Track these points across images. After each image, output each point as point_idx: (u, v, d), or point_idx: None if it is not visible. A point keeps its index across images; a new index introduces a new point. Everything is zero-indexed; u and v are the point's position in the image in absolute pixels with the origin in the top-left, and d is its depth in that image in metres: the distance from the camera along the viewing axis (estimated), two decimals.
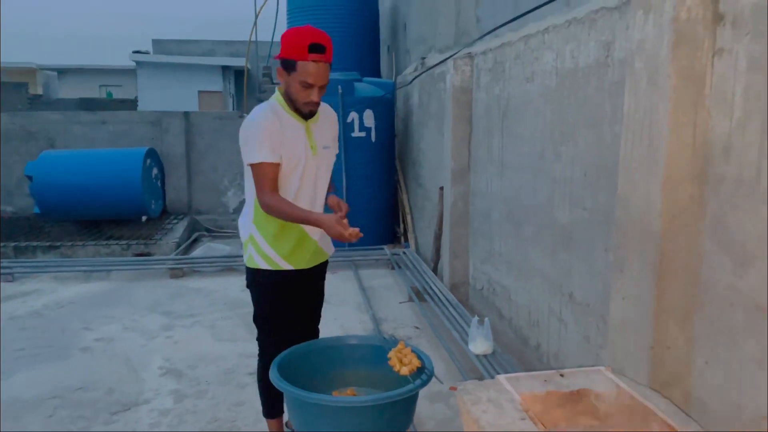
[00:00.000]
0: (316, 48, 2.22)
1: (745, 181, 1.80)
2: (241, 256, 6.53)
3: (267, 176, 2.32)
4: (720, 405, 1.93)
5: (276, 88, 2.49)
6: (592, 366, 1.89)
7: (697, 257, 2.00)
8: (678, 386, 2.07)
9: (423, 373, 2.29)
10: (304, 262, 2.55)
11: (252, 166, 2.35)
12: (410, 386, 2.16)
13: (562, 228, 3.09)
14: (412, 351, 2.42)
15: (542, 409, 1.59)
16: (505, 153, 3.93)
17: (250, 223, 2.53)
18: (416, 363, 2.33)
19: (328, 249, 2.71)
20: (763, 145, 1.73)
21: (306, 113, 2.40)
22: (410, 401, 2.28)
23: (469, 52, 4.61)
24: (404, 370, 2.28)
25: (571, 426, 1.60)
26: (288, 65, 2.27)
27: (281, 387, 2.22)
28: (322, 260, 2.70)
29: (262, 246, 2.50)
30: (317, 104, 2.41)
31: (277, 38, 9.82)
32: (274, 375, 2.28)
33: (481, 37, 4.36)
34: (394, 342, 2.49)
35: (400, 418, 2.27)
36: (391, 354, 2.36)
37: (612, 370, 1.74)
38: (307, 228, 2.49)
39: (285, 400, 2.45)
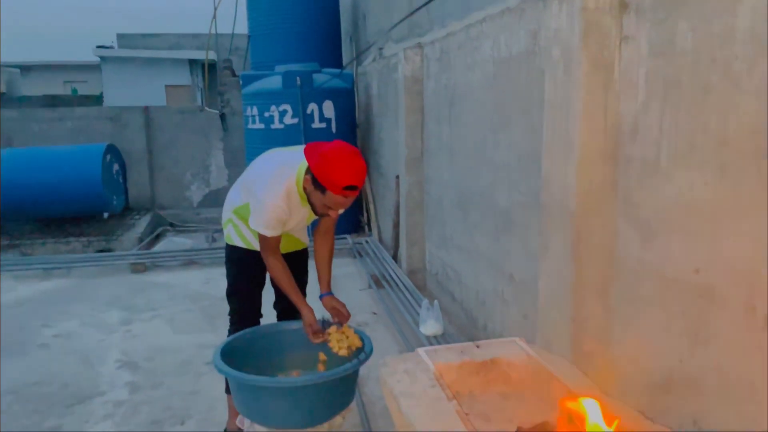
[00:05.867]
0: (351, 188, 2.22)
1: (648, 160, 1.92)
2: (204, 249, 6.53)
3: (270, 244, 2.50)
4: (634, 371, 2.06)
5: (299, 170, 2.41)
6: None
7: (611, 234, 2.12)
8: (598, 355, 2.19)
9: (362, 352, 2.38)
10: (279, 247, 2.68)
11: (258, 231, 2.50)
12: (347, 365, 2.25)
13: (502, 212, 3.20)
14: (355, 332, 2.50)
15: (456, 378, 1.69)
16: (454, 141, 4.03)
17: (231, 211, 2.73)
18: (356, 343, 2.42)
19: (305, 239, 2.91)
20: (662, 126, 1.85)
21: (318, 215, 2.48)
22: (349, 380, 2.37)
23: (419, 42, 4.69)
24: (342, 351, 2.36)
25: (484, 392, 1.70)
26: (318, 185, 2.26)
27: (223, 371, 2.28)
28: (298, 248, 2.85)
29: (241, 228, 2.69)
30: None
31: (238, 30, 9.80)
32: (217, 360, 2.34)
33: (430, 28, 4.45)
34: (338, 324, 2.57)
35: (340, 396, 2.36)
36: (331, 336, 2.44)
37: (525, 340, 1.84)
38: (291, 229, 2.63)
39: (229, 384, 2.52)
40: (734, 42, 1.54)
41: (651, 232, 1.92)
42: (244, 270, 2.73)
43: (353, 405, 2.51)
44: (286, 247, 2.73)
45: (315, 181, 2.26)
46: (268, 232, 2.44)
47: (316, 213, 2.46)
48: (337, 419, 2.39)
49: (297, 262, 2.81)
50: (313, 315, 2.52)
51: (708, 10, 1.64)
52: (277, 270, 2.53)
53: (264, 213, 2.40)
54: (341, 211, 2.60)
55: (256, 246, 2.63)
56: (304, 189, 2.38)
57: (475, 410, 1.61)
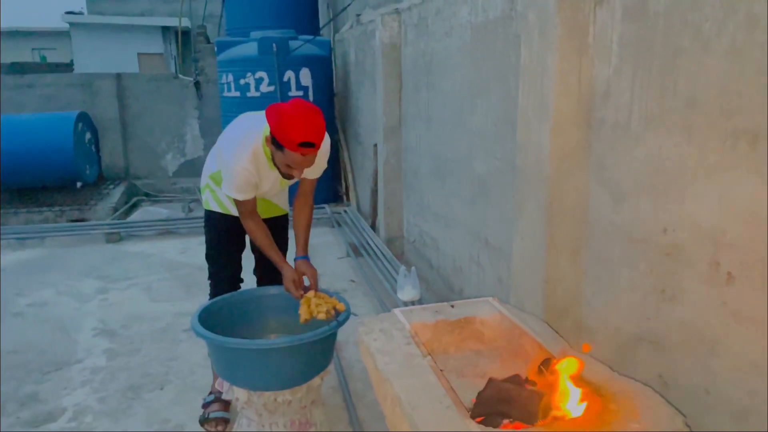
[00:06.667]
0: (306, 145, 2.20)
1: (620, 123, 1.95)
2: (180, 219, 6.48)
3: (245, 207, 2.52)
4: (603, 329, 2.13)
5: (265, 132, 2.39)
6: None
7: (584, 197, 2.16)
8: (569, 315, 2.26)
9: (340, 315, 2.41)
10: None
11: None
12: (324, 328, 2.28)
13: (478, 178, 3.23)
14: (331, 296, 2.52)
15: (431, 336, 1.73)
16: (431, 108, 4.03)
17: (207, 177, 2.76)
18: (340, 306, 2.43)
19: (285, 206, 2.91)
20: (634, 89, 1.88)
21: (284, 176, 2.45)
22: (327, 342, 2.40)
23: (397, 8, 4.64)
24: (321, 315, 2.39)
25: (458, 349, 1.75)
26: (276, 144, 2.26)
27: (202, 335, 2.29)
28: (277, 214, 2.86)
29: (217, 193, 2.71)
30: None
31: None
32: (194, 323, 2.35)
33: None
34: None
35: (319, 359, 2.40)
36: (309, 300, 2.45)
37: (498, 300, 1.89)
38: (265, 193, 2.64)
39: (209, 350, 2.53)
40: (704, 4, 1.56)
41: (621, 194, 1.97)
42: (221, 234, 2.76)
43: (331, 367, 2.55)
44: (265, 213, 2.75)
45: (274, 140, 2.26)
46: (240, 196, 2.45)
47: (281, 174, 2.46)
48: (316, 380, 2.42)
49: (276, 229, 2.82)
50: (294, 272, 2.53)
51: None
52: (255, 231, 2.55)
53: (233, 177, 2.41)
54: (313, 177, 2.61)
55: (232, 210, 2.65)
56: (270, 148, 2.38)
57: (449, 366, 1.65)
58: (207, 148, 8.16)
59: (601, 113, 2.04)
